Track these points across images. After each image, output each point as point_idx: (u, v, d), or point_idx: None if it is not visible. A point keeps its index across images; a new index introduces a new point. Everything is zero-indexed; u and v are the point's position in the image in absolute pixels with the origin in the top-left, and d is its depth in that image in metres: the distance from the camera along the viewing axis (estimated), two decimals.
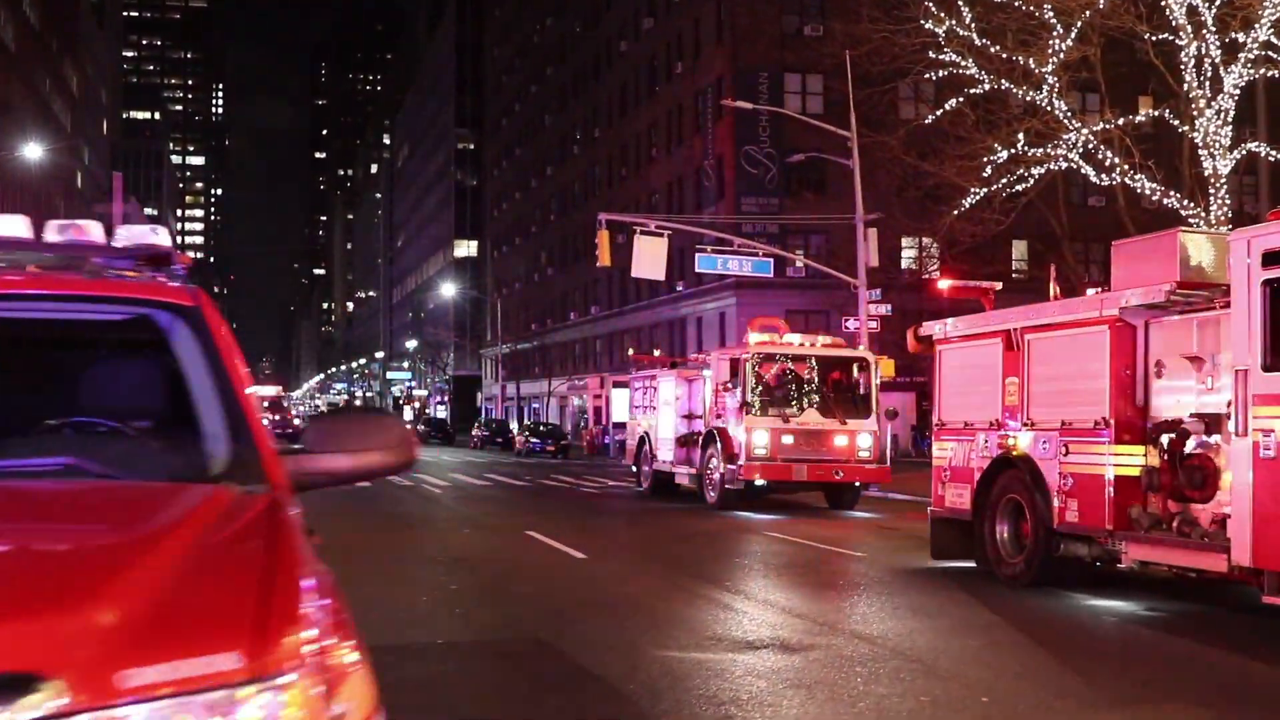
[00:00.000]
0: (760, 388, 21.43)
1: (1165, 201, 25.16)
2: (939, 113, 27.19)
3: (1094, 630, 9.86)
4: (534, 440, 53.63)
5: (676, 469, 24.44)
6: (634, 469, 27.44)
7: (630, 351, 26.53)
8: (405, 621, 9.91)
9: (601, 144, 71.44)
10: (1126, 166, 25.35)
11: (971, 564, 13.14)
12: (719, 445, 21.82)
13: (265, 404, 73.59)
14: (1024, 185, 27.64)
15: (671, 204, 57.47)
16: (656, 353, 27.89)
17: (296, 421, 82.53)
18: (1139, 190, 25.58)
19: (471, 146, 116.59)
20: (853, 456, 21.46)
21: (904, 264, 48.68)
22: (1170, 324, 10.89)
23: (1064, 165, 26.56)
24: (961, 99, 26.49)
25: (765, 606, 10.60)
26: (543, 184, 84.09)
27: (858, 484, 22.09)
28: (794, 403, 21.47)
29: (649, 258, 29.61)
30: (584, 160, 74.69)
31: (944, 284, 14.22)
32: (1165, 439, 10.54)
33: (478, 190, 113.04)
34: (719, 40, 53.87)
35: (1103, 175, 26.31)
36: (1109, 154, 25.31)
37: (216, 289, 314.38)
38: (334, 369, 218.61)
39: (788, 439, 21.18)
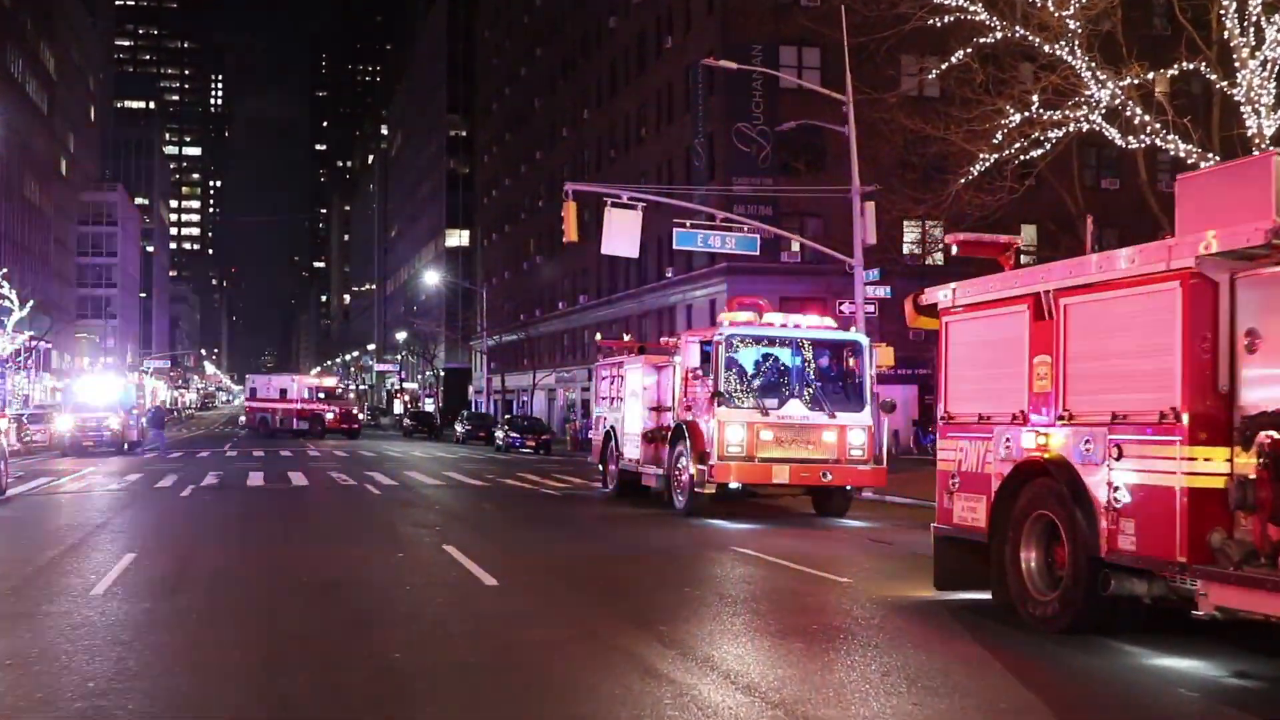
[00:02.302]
0: (735, 375, 18.38)
1: (1203, 166, 22.06)
2: (944, 66, 24.08)
3: (1167, 713, 6.84)
4: (514, 435, 50.53)
5: (643, 469, 21.37)
6: (600, 468, 24.42)
7: (598, 337, 23.54)
8: (180, 695, 6.91)
9: (590, 126, 68.40)
10: (1159, 125, 22.23)
11: (987, 596, 10.16)
12: (688, 442, 18.76)
13: (321, 395, 64.64)
14: (1039, 151, 24.59)
15: (664, 191, 54.40)
16: (627, 338, 24.78)
17: (361, 416, 68.75)
18: (1172, 153, 22.45)
19: (464, 133, 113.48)
20: (843, 456, 18.38)
21: (905, 249, 45.72)
22: (1268, 280, 7.84)
23: (1085, 127, 23.45)
24: (970, 50, 23.37)
25: (703, 670, 7.58)
26: (532, 169, 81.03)
27: (849, 488, 19.03)
28: (774, 393, 18.41)
29: (621, 232, 26.54)
30: (573, 143, 71.63)
31: (954, 238, 11.19)
32: (1264, 438, 7.51)
33: (469, 178, 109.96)
34: (709, 11, 50.78)
35: (1129, 138, 23.24)
36: (1138, 111, 22.20)
37: (215, 281, 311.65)
38: (330, 362, 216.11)
39: (766, 435, 18.10)
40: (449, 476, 29.43)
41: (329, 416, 62.88)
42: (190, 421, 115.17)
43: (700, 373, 18.74)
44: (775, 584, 11.82)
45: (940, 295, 10.88)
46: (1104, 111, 23.27)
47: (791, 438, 18.19)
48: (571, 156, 71.12)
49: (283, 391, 64.66)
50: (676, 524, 17.77)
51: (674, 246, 28.04)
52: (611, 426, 23.42)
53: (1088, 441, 8.88)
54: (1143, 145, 23.22)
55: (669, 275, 53.95)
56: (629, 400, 22.32)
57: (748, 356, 18.70)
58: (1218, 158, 22.50)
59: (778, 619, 9.70)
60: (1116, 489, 8.58)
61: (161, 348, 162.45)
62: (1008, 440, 9.80)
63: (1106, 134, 23.59)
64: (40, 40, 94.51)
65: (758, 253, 28.71)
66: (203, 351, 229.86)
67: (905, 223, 45.42)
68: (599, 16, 66.77)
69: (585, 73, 69.75)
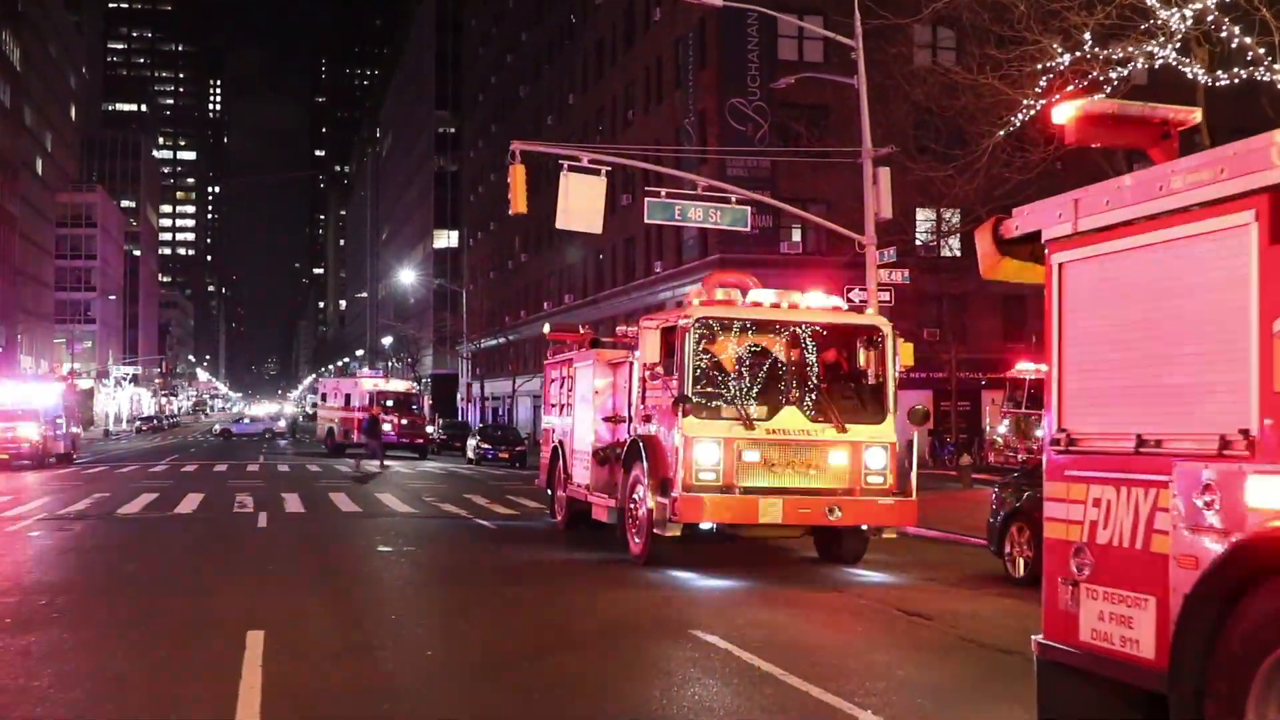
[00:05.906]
0: (708, 374, 13.42)
1: None
2: None
3: None
4: (485, 446, 45.54)
5: (594, 497, 16.35)
6: (548, 492, 19.42)
7: (546, 328, 18.88)
8: None
9: (577, 111, 63.68)
10: (1262, 51, 17.28)
11: None
12: (645, 464, 13.78)
13: (389, 403, 51.04)
14: (1098, 97, 19.69)
15: (648, 172, 49.58)
16: (583, 329, 19.87)
17: (430, 429, 55.71)
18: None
19: (452, 130, 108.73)
20: (857, 484, 13.40)
21: (918, 240, 40.83)
22: None
23: (1159, 62, 18.54)
24: None
25: None
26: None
27: (866, 528, 14.03)
28: (763, 398, 13.46)
29: (580, 202, 21.72)
30: (559, 132, 66.73)
31: (1063, 111, 6.16)
32: None
33: (457, 176, 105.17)
34: None
35: (1217, 72, 18.34)
36: (1235, 30, 17.25)
37: (214, 288, 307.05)
38: (324, 369, 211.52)
39: (751, 455, 13.12)
40: (378, 501, 24.43)
41: (386, 428, 47.96)
42: (173, 430, 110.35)
43: (662, 371, 13.78)
44: None
45: (1051, 219, 5.91)
46: (1178, 44, 18.46)
47: (786, 460, 13.22)
48: (557, 146, 66.39)
49: (347, 398, 52.98)
50: (626, 580, 12.80)
51: (645, 219, 23.04)
52: (560, 441, 18.46)
53: None
54: (1234, 81, 18.28)
55: (658, 269, 49.14)
56: (579, 408, 17.37)
57: (726, 348, 13.73)
58: None
59: None
60: None
61: (149, 354, 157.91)
62: (1209, 491, 4.83)
63: (1186, 72, 18.73)
64: (5, 29, 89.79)
65: (747, 228, 23.83)
66: (192, 358, 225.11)
67: (919, 210, 40.82)
68: None
69: (571, 54, 65.08)
